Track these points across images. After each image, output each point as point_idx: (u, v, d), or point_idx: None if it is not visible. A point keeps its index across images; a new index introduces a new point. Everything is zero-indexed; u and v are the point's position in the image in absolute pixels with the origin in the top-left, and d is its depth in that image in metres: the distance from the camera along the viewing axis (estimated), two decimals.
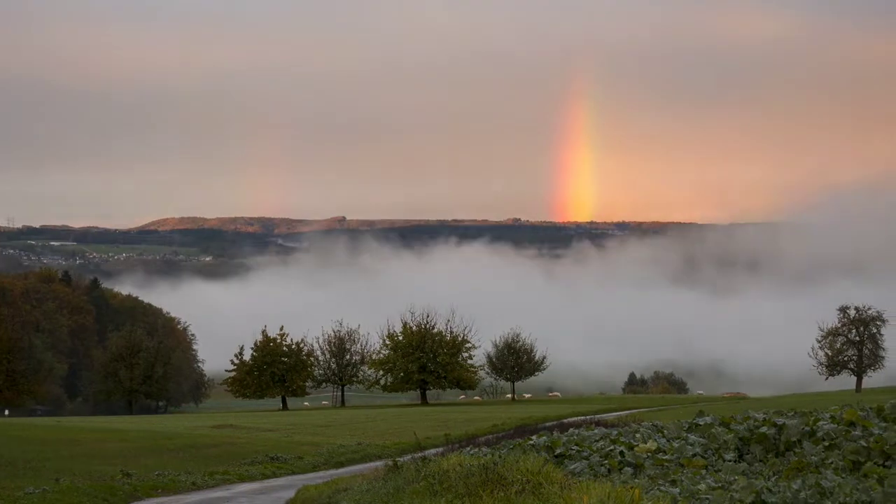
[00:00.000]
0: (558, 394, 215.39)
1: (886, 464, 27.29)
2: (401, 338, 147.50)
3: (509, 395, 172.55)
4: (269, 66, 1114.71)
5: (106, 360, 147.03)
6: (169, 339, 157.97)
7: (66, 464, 49.91)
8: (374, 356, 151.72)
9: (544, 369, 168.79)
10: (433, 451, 47.13)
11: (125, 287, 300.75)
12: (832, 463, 27.77)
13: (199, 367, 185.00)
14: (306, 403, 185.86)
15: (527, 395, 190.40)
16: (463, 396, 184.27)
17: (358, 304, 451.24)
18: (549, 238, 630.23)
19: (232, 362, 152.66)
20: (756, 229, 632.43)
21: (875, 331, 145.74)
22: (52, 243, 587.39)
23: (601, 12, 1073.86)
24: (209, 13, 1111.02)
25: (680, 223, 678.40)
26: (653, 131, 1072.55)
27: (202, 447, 62.60)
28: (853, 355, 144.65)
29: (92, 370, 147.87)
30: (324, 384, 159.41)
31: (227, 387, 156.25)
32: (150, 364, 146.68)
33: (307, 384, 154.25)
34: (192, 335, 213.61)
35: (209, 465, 53.42)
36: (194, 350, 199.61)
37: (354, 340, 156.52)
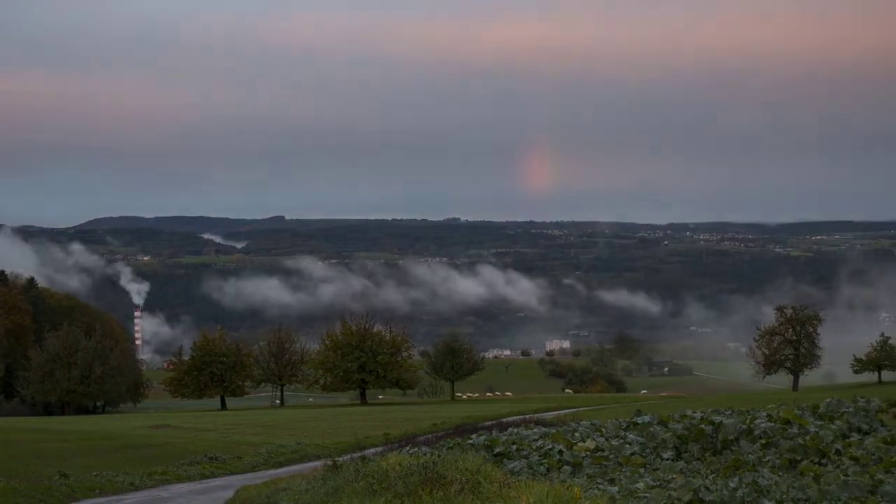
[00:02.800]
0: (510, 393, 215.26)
1: (822, 462, 27.54)
2: (340, 337, 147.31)
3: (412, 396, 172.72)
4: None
5: (43, 360, 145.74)
6: (107, 338, 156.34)
7: (2, 465, 49.44)
8: (313, 356, 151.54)
9: (482, 369, 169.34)
10: (373, 450, 47.17)
11: (62, 286, 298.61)
12: (769, 461, 28.00)
13: (137, 366, 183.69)
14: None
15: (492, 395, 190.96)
16: (381, 396, 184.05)
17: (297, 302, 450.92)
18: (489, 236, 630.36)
19: (171, 362, 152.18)
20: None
21: (812, 330, 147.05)
22: None
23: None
24: None
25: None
26: None
27: (140, 447, 62.28)
28: (790, 354, 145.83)
29: (29, 370, 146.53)
30: (263, 384, 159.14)
31: (165, 387, 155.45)
32: (88, 364, 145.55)
33: (246, 384, 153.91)
34: (131, 335, 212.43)
35: (147, 465, 53.14)
36: (133, 349, 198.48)
37: (294, 340, 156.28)
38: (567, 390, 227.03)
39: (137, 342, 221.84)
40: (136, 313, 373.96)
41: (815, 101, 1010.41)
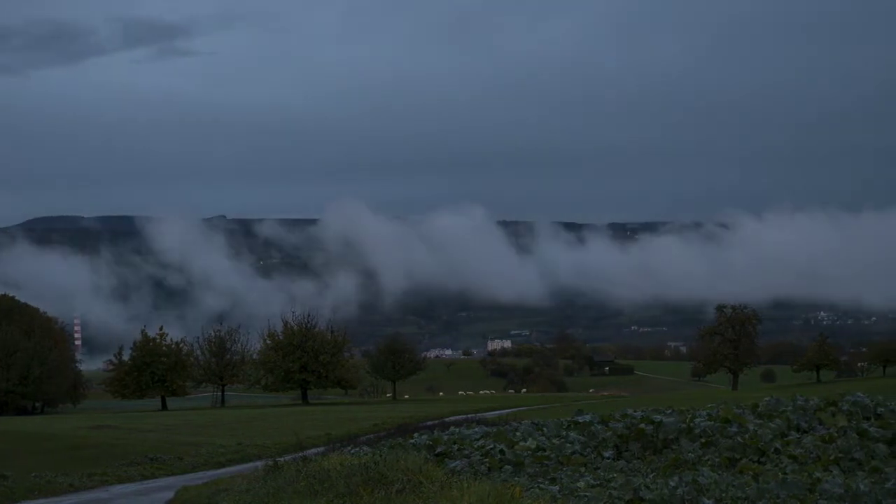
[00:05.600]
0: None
1: (761, 460, 27.73)
2: (281, 337, 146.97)
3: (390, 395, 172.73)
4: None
5: None
6: (46, 339, 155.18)
7: None
8: (254, 355, 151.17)
9: (424, 369, 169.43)
10: (314, 450, 47.05)
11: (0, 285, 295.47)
12: (709, 460, 28.16)
13: (76, 367, 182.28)
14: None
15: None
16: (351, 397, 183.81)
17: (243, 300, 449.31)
18: None
19: (111, 362, 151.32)
20: None
21: (751, 329, 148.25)
22: None
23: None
24: None
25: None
26: None
27: (80, 448, 61.81)
28: (730, 353, 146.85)
29: None
30: (204, 384, 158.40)
31: (105, 387, 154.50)
32: (27, 365, 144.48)
33: (187, 384, 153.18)
34: (70, 335, 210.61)
35: (87, 466, 52.77)
36: (72, 350, 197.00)
37: (235, 340, 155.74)
38: (511, 390, 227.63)
39: (77, 342, 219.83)
40: (75, 313, 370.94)
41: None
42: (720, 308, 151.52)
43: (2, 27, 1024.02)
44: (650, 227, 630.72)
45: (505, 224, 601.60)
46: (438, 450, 34.32)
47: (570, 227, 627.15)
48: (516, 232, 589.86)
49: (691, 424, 32.75)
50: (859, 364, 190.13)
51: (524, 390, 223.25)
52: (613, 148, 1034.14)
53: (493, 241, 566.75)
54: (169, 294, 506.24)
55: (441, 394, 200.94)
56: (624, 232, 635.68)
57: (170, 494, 41.38)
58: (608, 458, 30.59)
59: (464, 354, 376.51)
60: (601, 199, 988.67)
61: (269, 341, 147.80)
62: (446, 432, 40.23)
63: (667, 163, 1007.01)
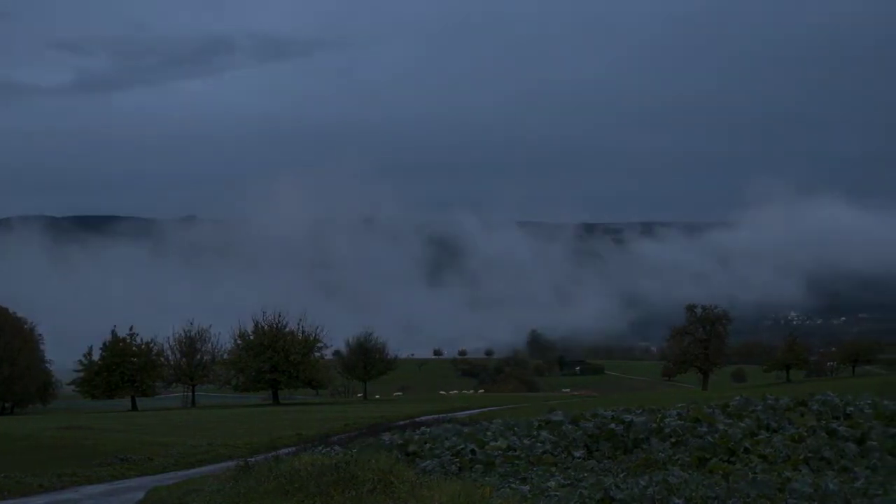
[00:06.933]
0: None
1: (731, 460, 27.80)
2: (252, 337, 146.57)
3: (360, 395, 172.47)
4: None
5: None
6: (15, 339, 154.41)
7: None
8: (224, 355, 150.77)
9: (395, 368, 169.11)
10: (285, 450, 47.01)
11: None
12: (679, 459, 28.20)
13: (46, 367, 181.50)
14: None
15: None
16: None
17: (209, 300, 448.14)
18: None
19: (81, 362, 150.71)
20: None
21: (721, 329, 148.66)
22: None
23: None
24: None
25: None
26: None
27: (50, 448, 61.54)
28: (700, 353, 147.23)
29: None
30: (174, 384, 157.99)
31: (75, 387, 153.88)
32: None
33: (157, 384, 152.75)
34: (40, 335, 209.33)
35: (57, 466, 52.51)
36: (42, 350, 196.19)
37: (205, 340, 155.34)
38: (482, 389, 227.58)
39: (45, 343, 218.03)
40: (46, 313, 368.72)
41: None
42: (690, 308, 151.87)
43: (147, 41, 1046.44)
44: (622, 228, 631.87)
45: (477, 223, 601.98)
46: (410, 449, 34.33)
47: (541, 226, 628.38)
48: (488, 231, 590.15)
49: (661, 424, 32.83)
50: (829, 364, 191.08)
51: (481, 391, 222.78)
52: (590, 150, 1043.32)
53: (467, 241, 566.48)
54: (143, 293, 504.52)
55: (398, 394, 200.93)
56: (596, 232, 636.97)
57: (140, 495, 41.22)
58: (579, 458, 30.61)
59: (434, 354, 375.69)
60: (573, 199, 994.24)
61: (239, 341, 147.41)
62: (417, 432, 40.25)
63: (643, 165, 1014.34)
